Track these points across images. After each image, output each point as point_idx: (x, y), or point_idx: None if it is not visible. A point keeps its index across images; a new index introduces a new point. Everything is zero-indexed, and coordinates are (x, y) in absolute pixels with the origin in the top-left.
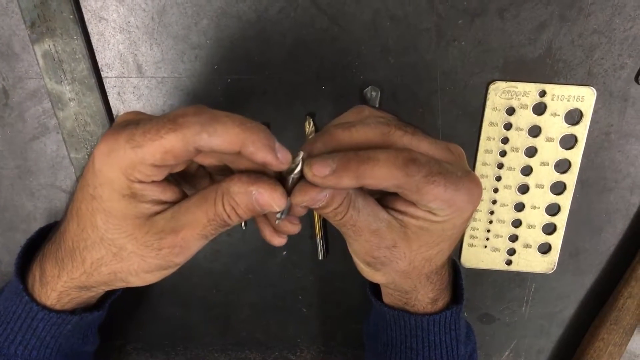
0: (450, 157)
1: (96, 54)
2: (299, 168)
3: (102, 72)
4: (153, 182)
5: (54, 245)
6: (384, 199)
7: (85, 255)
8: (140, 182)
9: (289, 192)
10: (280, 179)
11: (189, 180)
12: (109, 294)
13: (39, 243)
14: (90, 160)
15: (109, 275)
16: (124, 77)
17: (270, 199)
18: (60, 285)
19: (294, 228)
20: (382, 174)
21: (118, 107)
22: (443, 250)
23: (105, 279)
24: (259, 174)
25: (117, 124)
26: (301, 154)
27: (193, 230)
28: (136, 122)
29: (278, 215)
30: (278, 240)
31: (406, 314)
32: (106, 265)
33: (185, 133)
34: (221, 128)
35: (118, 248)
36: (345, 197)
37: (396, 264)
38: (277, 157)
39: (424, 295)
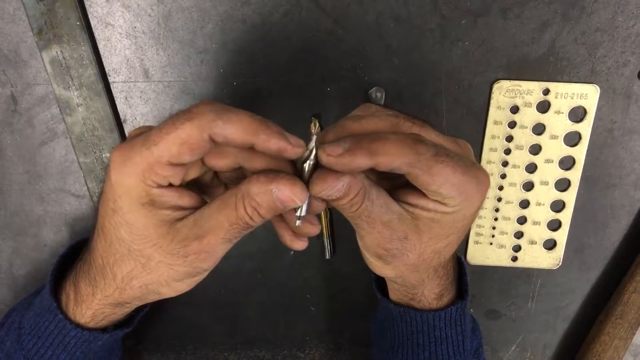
0: (458, 149)
1: (103, 60)
2: (313, 154)
3: (109, 77)
4: (170, 186)
5: (85, 264)
6: (395, 192)
7: (116, 271)
8: (158, 186)
9: (306, 183)
10: (296, 174)
11: (205, 190)
12: (137, 309)
13: (71, 259)
14: (106, 174)
15: (140, 289)
16: (131, 81)
17: (292, 193)
18: (96, 303)
19: (314, 229)
20: (393, 151)
21: (125, 112)
22: (452, 242)
23: (137, 293)
24: (276, 172)
25: (131, 136)
26: (314, 138)
27: (217, 236)
28: (148, 129)
29: (298, 214)
30: (299, 244)
31: (412, 310)
32: (137, 278)
33: (201, 120)
34: (235, 116)
35: (146, 258)
36: (362, 187)
37: (406, 256)
38: (290, 142)
39: (430, 291)
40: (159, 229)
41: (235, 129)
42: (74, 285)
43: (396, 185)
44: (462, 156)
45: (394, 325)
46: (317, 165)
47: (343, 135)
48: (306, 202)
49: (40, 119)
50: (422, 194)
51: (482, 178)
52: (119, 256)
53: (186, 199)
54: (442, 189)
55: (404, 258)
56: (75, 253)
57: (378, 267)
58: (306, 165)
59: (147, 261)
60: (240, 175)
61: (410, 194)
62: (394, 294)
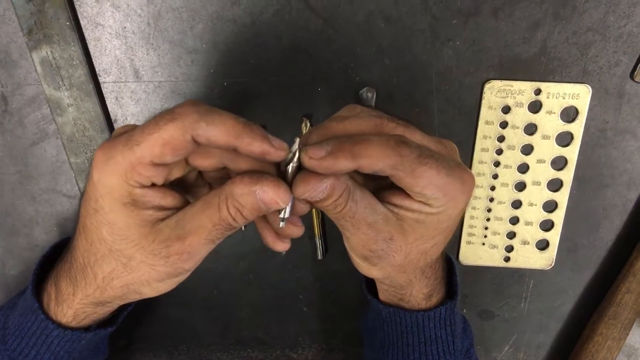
0: (443, 149)
1: (93, 60)
2: (296, 157)
3: (99, 78)
4: (153, 186)
5: (66, 263)
6: (379, 193)
7: (97, 270)
8: (141, 186)
9: (290, 185)
10: (280, 175)
11: (189, 189)
12: (121, 308)
13: (53, 259)
14: (89, 173)
15: (122, 289)
16: (122, 82)
17: (275, 195)
18: (77, 302)
19: (297, 230)
20: (376, 153)
21: (116, 112)
22: (438, 243)
23: (118, 292)
24: (260, 173)
25: (114, 135)
26: (297, 141)
27: (199, 236)
28: (133, 128)
29: (281, 216)
30: (282, 246)
31: (401, 310)
32: (118, 278)
33: (184, 121)
34: (218, 118)
35: (127, 258)
36: (345, 188)
37: (392, 257)
38: (273, 146)
39: (419, 291)
40: (140, 229)
41: (219, 131)
42: (55, 285)
43: (381, 187)
44: (446, 157)
45: (384, 325)
46: (301, 168)
47: (326, 137)
48: (290, 204)
49: (31, 119)
50: (407, 195)
51: (467, 179)
52: (100, 256)
53: (169, 199)
54: (426, 190)
55: (390, 259)
56: (57, 253)
57: (365, 268)
58: (289, 168)
59: (128, 261)
60: (224, 175)
61: (395, 195)
62: (383, 295)
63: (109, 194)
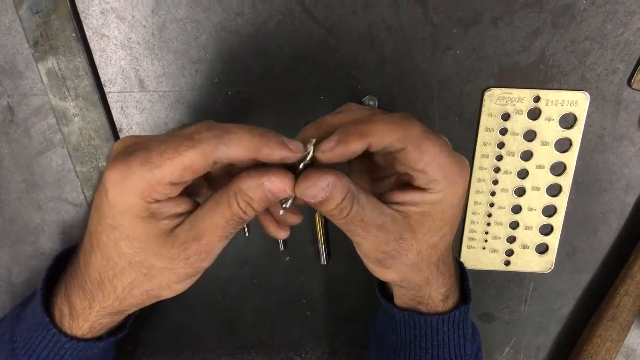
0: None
1: (99, 70)
2: (310, 155)
3: (105, 88)
4: (169, 198)
5: (76, 279)
6: (382, 196)
7: (116, 283)
8: (158, 201)
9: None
10: (289, 168)
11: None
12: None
13: (57, 271)
14: (101, 192)
15: (141, 296)
16: (127, 91)
17: (283, 184)
18: (93, 315)
19: (297, 218)
20: (383, 129)
21: (121, 121)
22: (446, 234)
23: (138, 300)
24: (264, 167)
25: (119, 152)
26: (313, 141)
27: (214, 234)
28: (143, 145)
29: (284, 206)
30: (282, 233)
31: (416, 314)
32: (138, 287)
33: (204, 148)
34: (236, 138)
35: (148, 268)
36: (348, 192)
37: (405, 256)
38: (291, 150)
39: (436, 291)
40: (159, 238)
41: (238, 150)
42: (66, 301)
43: (384, 188)
44: (445, 141)
45: (396, 329)
46: (311, 165)
47: (323, 129)
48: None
49: (37, 129)
50: (408, 189)
51: (464, 164)
52: (119, 269)
53: (183, 206)
54: (429, 167)
55: (403, 258)
56: (60, 264)
57: (381, 272)
58: (301, 166)
59: (149, 270)
60: (226, 171)
61: (397, 193)
62: (400, 300)
63: (127, 211)
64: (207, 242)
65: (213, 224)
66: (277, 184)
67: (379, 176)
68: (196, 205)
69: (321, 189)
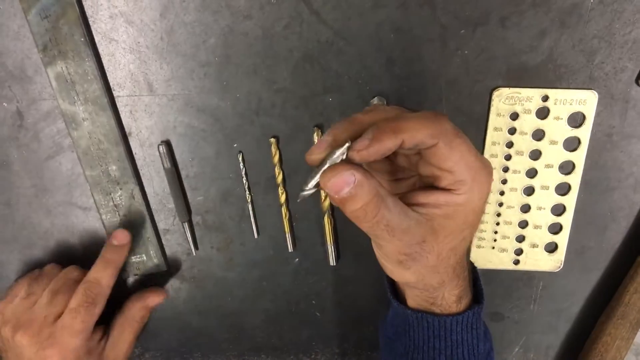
0: None
1: (107, 74)
2: (344, 155)
3: (114, 92)
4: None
5: None
6: (403, 197)
7: None
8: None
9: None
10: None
11: None
12: None
13: None
14: None
15: None
16: (136, 95)
17: (159, 299)
18: None
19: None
20: (416, 125)
21: (130, 125)
22: (466, 237)
23: None
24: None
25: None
26: (349, 143)
27: (131, 344)
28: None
29: (304, 193)
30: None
31: (430, 315)
32: None
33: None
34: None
35: None
36: (375, 194)
37: (426, 259)
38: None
39: (450, 292)
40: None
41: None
42: None
43: (405, 189)
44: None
45: (410, 330)
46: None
47: (353, 128)
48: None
49: (46, 133)
50: (431, 190)
51: (490, 167)
52: None
53: (98, 334)
54: (457, 167)
55: (423, 261)
56: None
57: (398, 273)
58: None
59: None
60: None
61: (420, 194)
62: (413, 301)
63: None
64: (126, 352)
65: (126, 340)
66: (156, 300)
67: (398, 177)
68: (105, 329)
69: (345, 182)
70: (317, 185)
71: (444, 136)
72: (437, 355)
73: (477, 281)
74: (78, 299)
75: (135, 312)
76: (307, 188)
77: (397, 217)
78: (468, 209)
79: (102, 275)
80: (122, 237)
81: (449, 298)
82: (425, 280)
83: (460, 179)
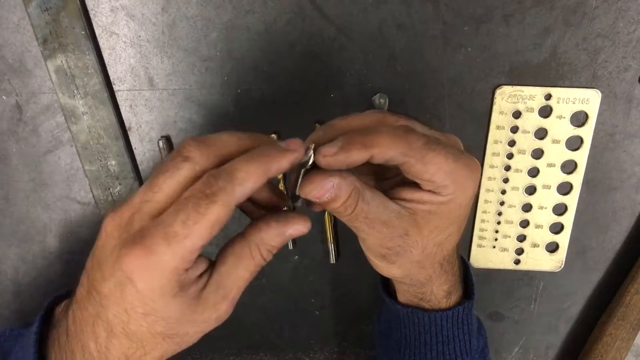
0: (447, 140)
1: (108, 68)
2: (311, 159)
3: (114, 86)
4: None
5: (91, 354)
6: (389, 192)
7: (146, 357)
8: (186, 270)
9: (299, 185)
10: (293, 178)
11: None
12: None
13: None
14: (121, 284)
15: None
16: (136, 90)
17: (305, 227)
18: None
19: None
20: (386, 142)
21: (130, 120)
22: (452, 233)
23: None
24: (279, 212)
25: (118, 236)
26: (312, 145)
27: (240, 287)
28: (146, 217)
29: (295, 205)
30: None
31: (420, 310)
32: (170, 353)
33: (224, 199)
34: (245, 175)
35: (181, 337)
36: (353, 190)
37: (410, 253)
38: (294, 150)
39: (439, 288)
40: (191, 307)
41: (253, 183)
42: None
43: (391, 185)
44: (452, 145)
45: (401, 326)
46: (314, 169)
47: (332, 133)
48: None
49: (45, 127)
50: (416, 188)
51: (473, 166)
52: (151, 347)
53: (201, 266)
54: (436, 177)
55: (407, 255)
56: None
57: (384, 268)
58: (302, 171)
59: (182, 338)
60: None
61: (405, 190)
62: (402, 296)
63: (161, 295)
64: (234, 297)
65: (238, 279)
66: (300, 229)
67: (385, 176)
68: (210, 262)
69: (326, 191)
70: (299, 196)
71: (416, 153)
72: (428, 350)
73: (468, 276)
74: (196, 190)
75: (264, 237)
76: (296, 204)
77: (376, 209)
78: (453, 206)
79: (243, 169)
80: (295, 145)
81: (438, 293)
82: (411, 275)
83: (442, 185)
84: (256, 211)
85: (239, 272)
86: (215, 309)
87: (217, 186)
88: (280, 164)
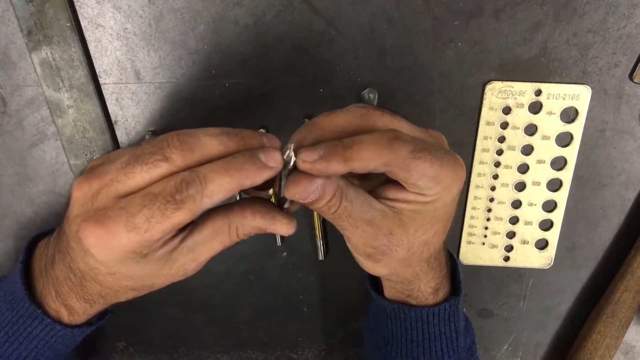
0: (430, 139)
1: (94, 61)
2: (292, 161)
3: (100, 79)
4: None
5: (71, 289)
6: (374, 191)
7: (120, 297)
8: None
9: (284, 186)
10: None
11: None
12: None
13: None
14: (83, 251)
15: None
16: (122, 83)
17: (288, 232)
18: (95, 309)
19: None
20: (369, 155)
21: (117, 113)
22: (438, 232)
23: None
24: (264, 205)
25: (83, 205)
26: (291, 146)
27: (211, 255)
28: (112, 201)
29: (284, 207)
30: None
31: (406, 307)
32: (139, 295)
33: (190, 207)
34: (216, 187)
35: (149, 287)
36: (337, 189)
37: (395, 252)
38: (271, 168)
39: (426, 285)
40: (158, 265)
41: (222, 195)
42: (63, 305)
43: (376, 184)
44: (437, 147)
45: (387, 322)
46: (295, 170)
47: (316, 132)
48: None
49: (30, 120)
50: (401, 188)
51: (458, 166)
52: (123, 292)
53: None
54: (420, 182)
55: (393, 254)
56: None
57: (370, 266)
58: (285, 172)
59: (150, 288)
60: None
61: (389, 190)
62: (389, 292)
63: (120, 263)
64: (204, 261)
65: (211, 249)
66: (284, 232)
67: (370, 175)
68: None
69: (310, 192)
70: (285, 198)
71: (400, 162)
72: (415, 347)
73: (455, 273)
74: (166, 192)
75: (246, 224)
76: (284, 206)
77: (359, 209)
78: (438, 205)
79: (216, 181)
80: (274, 161)
81: (425, 290)
82: (397, 273)
83: (427, 187)
84: (252, 191)
85: (213, 244)
86: (183, 268)
87: (187, 194)
88: (254, 180)
